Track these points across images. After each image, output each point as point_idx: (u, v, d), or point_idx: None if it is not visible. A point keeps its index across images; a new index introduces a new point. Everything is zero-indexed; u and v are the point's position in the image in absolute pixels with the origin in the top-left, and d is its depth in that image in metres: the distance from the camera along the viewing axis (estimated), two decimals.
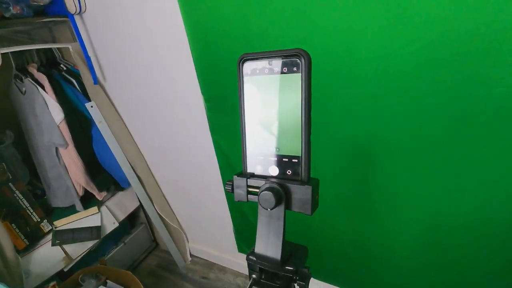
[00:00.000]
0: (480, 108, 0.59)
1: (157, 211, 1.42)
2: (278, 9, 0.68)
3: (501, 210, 0.67)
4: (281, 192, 0.31)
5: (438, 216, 0.74)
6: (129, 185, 1.38)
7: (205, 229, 1.45)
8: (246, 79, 0.32)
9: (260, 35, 0.73)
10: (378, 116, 0.68)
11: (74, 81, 1.21)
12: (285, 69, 0.30)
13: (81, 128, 1.21)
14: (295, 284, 0.34)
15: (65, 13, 1.05)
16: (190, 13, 0.82)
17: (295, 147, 0.31)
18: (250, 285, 0.35)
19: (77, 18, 1.08)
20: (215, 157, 1.11)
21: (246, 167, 0.35)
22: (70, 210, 1.28)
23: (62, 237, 1.21)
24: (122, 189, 1.44)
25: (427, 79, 0.60)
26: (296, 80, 0.29)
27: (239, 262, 1.41)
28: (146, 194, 1.38)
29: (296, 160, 0.32)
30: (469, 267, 0.78)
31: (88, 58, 1.11)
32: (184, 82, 1.01)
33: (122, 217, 1.41)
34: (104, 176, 1.32)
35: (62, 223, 1.25)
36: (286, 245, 0.34)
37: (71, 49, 1.11)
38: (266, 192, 0.31)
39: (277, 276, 0.35)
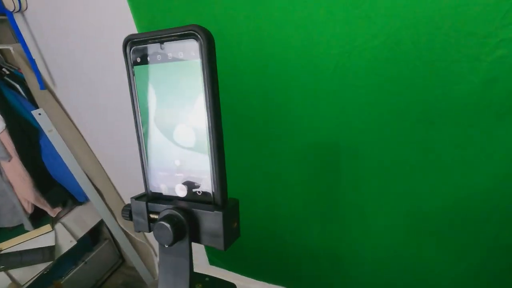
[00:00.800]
0: (443, 105, 0.56)
1: (120, 226, 1.31)
2: (235, 4, 0.62)
3: (467, 204, 0.65)
4: (183, 223, 0.24)
5: (408, 215, 0.71)
6: (86, 198, 1.26)
7: None
8: (136, 70, 0.25)
9: (213, 28, 0.67)
10: (342, 116, 0.64)
11: (18, 86, 1.09)
12: (180, 54, 0.22)
13: (28, 138, 1.09)
14: None
15: (3, 11, 0.94)
16: (139, 9, 0.75)
17: (202, 161, 0.24)
18: None
19: (17, 16, 0.97)
20: None
21: (149, 187, 0.27)
22: (18, 230, 1.15)
23: (8, 261, 1.08)
24: (81, 203, 1.32)
25: (389, 76, 0.57)
26: (195, 68, 0.22)
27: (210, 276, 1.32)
28: (107, 207, 1.27)
29: (206, 176, 0.24)
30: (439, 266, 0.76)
31: (32, 61, 1.00)
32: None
33: (81, 234, 1.29)
34: (57, 190, 1.20)
35: (9, 245, 1.12)
36: (211, 284, 0.27)
37: (12, 51, 0.99)
38: (162, 223, 0.24)
39: None
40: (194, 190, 0.25)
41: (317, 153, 0.71)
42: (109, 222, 1.29)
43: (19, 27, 0.96)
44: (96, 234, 1.51)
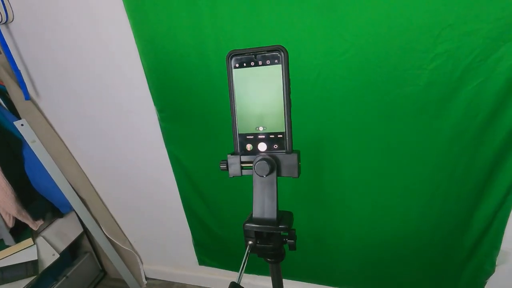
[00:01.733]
0: (398, 103, 0.74)
1: (105, 235, 1.31)
2: (231, 22, 0.74)
3: (420, 186, 0.83)
4: (273, 161, 0.38)
5: (380, 197, 0.87)
6: (70, 209, 1.25)
7: (161, 247, 1.39)
8: (234, 72, 0.38)
9: (213, 46, 0.78)
10: (324, 115, 0.79)
11: None
12: (268, 62, 0.37)
13: (9, 150, 1.07)
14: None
15: None
16: (140, 24, 0.83)
17: (280, 125, 0.38)
18: (247, 251, 0.39)
19: (2, 28, 0.98)
20: (171, 169, 1.10)
21: (238, 147, 0.40)
22: None
23: None
24: (61, 215, 1.29)
25: (359, 81, 0.73)
26: (277, 70, 0.37)
27: (200, 276, 1.38)
28: (92, 217, 1.27)
29: (281, 136, 0.38)
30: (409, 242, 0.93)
31: (17, 72, 1.01)
32: (132, 93, 0.99)
33: (63, 247, 1.26)
34: (39, 203, 1.17)
35: None
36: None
37: None
38: (261, 161, 0.37)
39: (270, 238, 0.41)
40: (273, 145, 0.39)
41: (304, 147, 0.85)
42: (95, 232, 1.28)
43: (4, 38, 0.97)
44: (75, 248, 1.47)
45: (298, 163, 0.38)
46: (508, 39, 0.63)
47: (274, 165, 0.38)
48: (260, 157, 0.38)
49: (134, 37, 0.86)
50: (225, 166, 0.41)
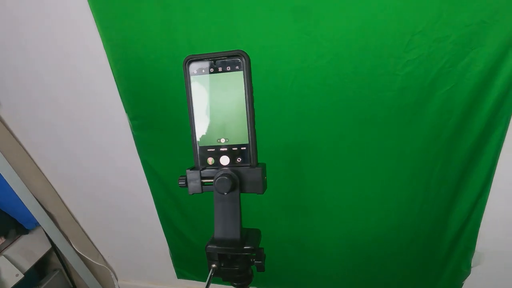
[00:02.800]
0: (373, 108, 0.74)
1: (76, 251, 1.23)
2: (204, 27, 0.72)
3: (398, 191, 0.84)
4: (235, 176, 0.35)
5: (359, 202, 0.87)
6: (36, 225, 1.16)
7: (137, 261, 1.32)
8: (192, 78, 0.35)
9: (187, 52, 0.75)
10: (301, 122, 0.78)
11: None
12: (228, 68, 0.34)
13: None
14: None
15: None
16: (108, 29, 0.79)
17: (243, 136, 0.35)
18: (210, 275, 0.36)
19: None
20: (145, 179, 1.05)
21: (198, 161, 0.37)
22: None
23: None
24: (26, 231, 1.20)
25: (335, 86, 0.73)
26: (238, 77, 0.34)
27: None
28: (60, 232, 1.19)
29: (245, 148, 0.35)
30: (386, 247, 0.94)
31: None
32: (102, 101, 0.94)
33: (28, 266, 1.17)
34: (0, 219, 1.08)
35: None
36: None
37: None
38: (221, 177, 0.34)
39: (236, 260, 0.38)
40: (236, 158, 0.36)
41: (282, 151, 0.84)
42: (63, 248, 1.20)
43: None
44: (42, 266, 1.37)
45: (263, 177, 0.36)
46: (475, 46, 0.65)
47: (236, 181, 0.35)
48: (221, 173, 0.35)
49: (102, 41, 0.81)
50: (183, 183, 0.37)
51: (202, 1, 0.70)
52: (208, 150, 0.36)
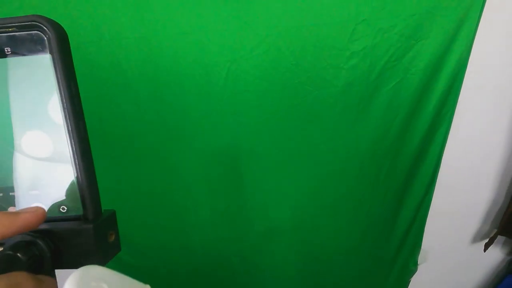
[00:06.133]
0: (317, 106, 0.67)
1: None
2: (114, 5, 0.57)
3: (346, 192, 0.79)
4: (40, 248, 0.19)
5: (306, 208, 0.80)
6: None
7: (59, 282, 1.13)
8: None
9: (93, 36, 0.60)
10: (237, 121, 0.67)
11: None
12: (22, 50, 0.19)
13: None
14: None
15: None
16: None
17: (65, 169, 0.20)
18: None
19: None
20: None
21: None
22: None
23: None
24: None
25: (273, 81, 0.63)
26: (44, 64, 0.19)
27: None
28: None
29: (71, 188, 0.21)
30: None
31: None
32: None
33: None
34: None
35: None
36: None
37: None
38: (7, 254, 0.18)
39: None
40: (56, 206, 0.21)
41: (218, 156, 0.73)
42: None
43: None
44: None
45: (102, 241, 0.21)
46: (420, 38, 0.60)
47: (43, 259, 0.19)
48: (12, 241, 0.19)
49: None
50: None
51: None
52: (2, 194, 0.21)
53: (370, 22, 0.57)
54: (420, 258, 0.91)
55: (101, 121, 0.69)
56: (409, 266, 0.93)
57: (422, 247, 0.89)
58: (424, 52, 0.61)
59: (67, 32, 0.20)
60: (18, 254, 0.18)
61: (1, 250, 0.19)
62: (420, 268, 0.92)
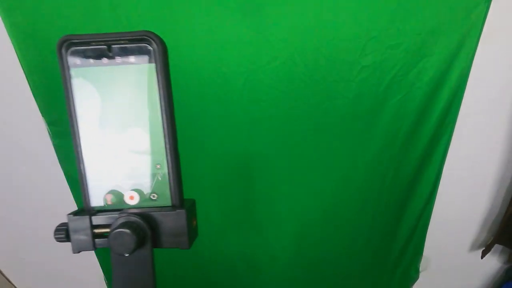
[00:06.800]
0: (328, 116, 0.70)
1: None
2: (136, 15, 0.60)
3: (351, 199, 0.82)
4: (143, 226, 0.23)
5: (313, 214, 0.83)
6: None
7: None
8: (74, 73, 0.22)
9: None
10: (252, 128, 0.71)
11: None
12: (131, 59, 0.22)
13: None
14: None
15: None
16: (11, 11, 0.63)
17: (157, 162, 0.24)
18: None
19: None
20: (71, 194, 0.88)
21: (89, 200, 0.24)
22: None
23: None
24: None
25: (287, 91, 0.67)
26: (148, 72, 0.23)
27: None
28: None
29: (162, 179, 0.24)
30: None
31: None
32: (11, 101, 0.76)
33: None
34: None
35: None
36: None
37: None
38: (120, 230, 0.22)
39: None
40: (148, 194, 0.24)
41: (232, 162, 0.75)
42: None
43: None
44: None
45: (189, 224, 0.24)
46: (425, 55, 0.64)
47: (146, 234, 0.23)
48: (121, 220, 0.22)
49: (6, 26, 0.65)
50: (63, 235, 0.24)
51: None
52: (106, 183, 0.24)
53: (380, 39, 0.62)
54: (422, 265, 0.94)
55: None
56: (411, 274, 0.96)
57: (424, 254, 0.91)
58: (428, 68, 0.66)
59: None
60: (129, 231, 0.21)
61: (113, 228, 0.22)
62: (422, 275, 0.95)
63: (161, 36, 0.63)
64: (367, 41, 0.62)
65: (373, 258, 0.94)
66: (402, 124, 0.72)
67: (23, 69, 0.69)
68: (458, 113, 0.72)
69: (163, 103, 0.23)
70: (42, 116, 0.75)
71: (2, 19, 0.64)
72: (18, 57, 0.68)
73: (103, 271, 1.03)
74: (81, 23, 0.62)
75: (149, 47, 0.22)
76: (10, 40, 0.66)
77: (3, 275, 1.08)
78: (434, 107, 0.71)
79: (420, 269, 0.94)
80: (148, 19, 0.61)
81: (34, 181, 0.89)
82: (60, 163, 0.83)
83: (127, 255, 0.22)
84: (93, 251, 0.86)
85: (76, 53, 0.22)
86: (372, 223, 0.87)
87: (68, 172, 0.84)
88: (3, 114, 0.78)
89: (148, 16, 0.60)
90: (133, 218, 0.23)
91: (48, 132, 0.78)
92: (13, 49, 0.67)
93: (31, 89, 0.72)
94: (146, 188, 0.24)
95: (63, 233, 0.24)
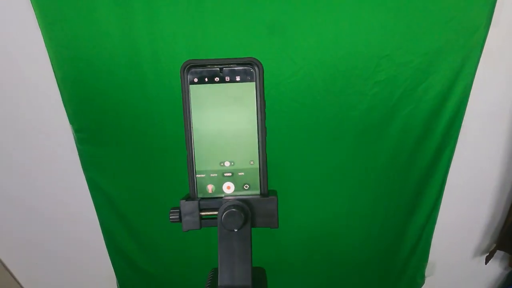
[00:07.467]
0: (343, 126, 0.76)
1: None
2: (171, 33, 0.66)
3: (363, 206, 0.86)
4: (246, 209, 0.29)
5: (326, 221, 0.87)
6: None
7: None
8: (192, 88, 0.29)
9: (149, 59, 0.68)
10: (272, 138, 0.74)
11: None
12: (237, 78, 0.29)
13: None
14: None
15: None
16: (52, 25, 0.67)
17: (251, 159, 0.30)
18: None
19: None
20: (91, 200, 0.91)
21: (196, 189, 0.30)
22: None
23: None
24: None
25: (306, 103, 0.72)
26: (249, 89, 0.29)
27: None
28: None
29: (254, 173, 0.30)
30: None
31: None
32: (41, 109, 0.80)
33: None
34: None
35: None
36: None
37: None
38: (232, 210, 0.27)
39: None
40: (243, 185, 0.30)
41: None
42: None
43: None
44: None
45: (277, 208, 0.30)
46: (432, 72, 0.71)
47: (248, 214, 0.29)
48: (228, 204, 0.28)
49: (44, 40, 0.69)
50: (177, 217, 0.30)
51: (168, 5, 0.64)
52: (209, 175, 0.30)
53: (392, 57, 0.68)
54: (427, 271, 0.97)
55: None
56: (417, 280, 0.99)
57: (430, 260, 0.95)
58: (435, 84, 0.72)
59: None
60: (238, 211, 0.27)
61: (223, 209, 0.28)
62: (427, 281, 0.98)
63: (193, 51, 0.68)
64: (380, 59, 0.68)
65: (380, 265, 0.97)
66: (410, 135, 0.77)
67: (56, 79, 0.74)
68: (461, 125, 0.78)
69: (259, 113, 0.29)
70: (70, 123, 0.79)
71: (42, 31, 0.68)
72: (52, 67, 0.72)
73: (118, 282, 1.04)
74: (118, 39, 0.67)
75: (252, 70, 0.29)
76: (46, 51, 0.70)
77: (14, 278, 1.09)
78: (440, 119, 0.76)
79: (426, 274, 0.97)
80: (181, 36, 0.66)
81: (55, 186, 0.92)
82: (82, 167, 0.86)
83: (236, 230, 0.28)
84: (110, 264, 0.88)
85: (194, 73, 0.28)
86: (380, 232, 0.91)
87: (89, 176, 0.87)
88: (33, 119, 0.82)
89: (181, 34, 0.66)
90: (238, 202, 0.28)
91: (74, 138, 0.81)
92: (48, 60, 0.71)
93: (62, 98, 0.76)
94: (241, 180, 0.30)
95: (177, 214, 0.30)
